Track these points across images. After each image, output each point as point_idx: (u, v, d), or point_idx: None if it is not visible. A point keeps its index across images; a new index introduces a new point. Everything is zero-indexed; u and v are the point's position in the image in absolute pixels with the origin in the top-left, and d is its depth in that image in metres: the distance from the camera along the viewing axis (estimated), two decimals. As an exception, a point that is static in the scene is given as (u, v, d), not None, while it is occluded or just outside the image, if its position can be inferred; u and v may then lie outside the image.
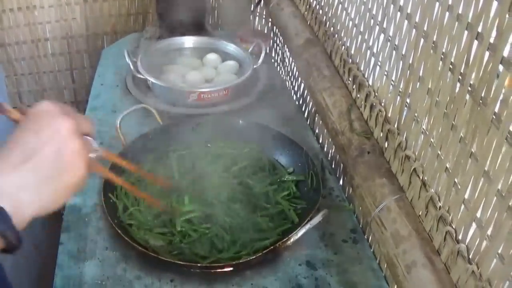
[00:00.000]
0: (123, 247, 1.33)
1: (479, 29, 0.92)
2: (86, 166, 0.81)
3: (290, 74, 2.12)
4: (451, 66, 1.00)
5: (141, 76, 1.80)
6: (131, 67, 1.82)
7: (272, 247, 1.25)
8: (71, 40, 2.44)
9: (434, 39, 1.06)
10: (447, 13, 1.01)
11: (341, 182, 1.59)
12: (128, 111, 1.59)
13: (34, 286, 2.04)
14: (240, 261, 1.26)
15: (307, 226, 1.25)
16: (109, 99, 1.88)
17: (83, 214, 1.43)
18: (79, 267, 1.29)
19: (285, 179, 1.49)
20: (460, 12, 0.97)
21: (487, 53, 0.90)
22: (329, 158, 1.69)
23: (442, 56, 1.03)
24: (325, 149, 1.73)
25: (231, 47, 2.01)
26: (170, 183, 1.42)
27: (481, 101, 0.91)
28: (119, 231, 1.29)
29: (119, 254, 1.33)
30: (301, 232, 1.25)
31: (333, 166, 1.65)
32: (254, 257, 1.25)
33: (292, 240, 1.25)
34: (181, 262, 1.25)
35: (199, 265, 1.26)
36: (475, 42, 0.93)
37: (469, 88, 0.95)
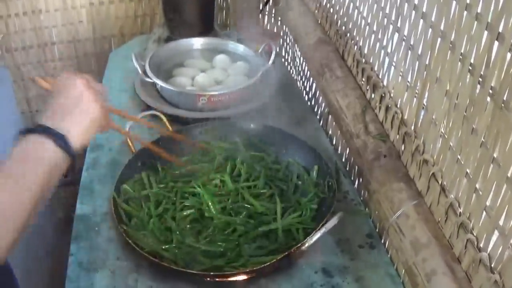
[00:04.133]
0: (134, 257, 1.30)
1: (500, 29, 0.88)
2: (101, 108, 1.13)
3: (301, 74, 2.09)
4: (470, 68, 0.97)
5: (150, 80, 1.77)
6: (139, 70, 1.80)
7: (286, 253, 1.22)
8: (78, 43, 2.41)
9: (452, 39, 1.03)
10: (465, 13, 0.98)
11: (356, 185, 1.56)
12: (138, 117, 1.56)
13: (45, 293, 2.03)
14: (255, 268, 1.23)
15: (322, 230, 1.22)
16: (117, 104, 1.85)
17: (92, 223, 1.40)
18: (90, 278, 1.27)
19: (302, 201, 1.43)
20: (479, 11, 0.94)
21: (508, 55, 0.86)
22: (343, 161, 1.65)
23: (461, 57, 1.00)
24: (339, 151, 1.70)
25: (240, 48, 1.98)
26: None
27: (503, 105, 0.88)
28: (129, 241, 1.26)
29: (131, 264, 1.30)
30: (316, 236, 1.22)
31: (347, 168, 1.62)
32: (268, 264, 1.22)
33: (307, 245, 1.22)
34: (194, 271, 1.22)
35: (212, 273, 1.23)
36: (496, 43, 0.90)
37: (490, 91, 0.91)
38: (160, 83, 1.75)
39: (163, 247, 1.29)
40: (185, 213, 1.37)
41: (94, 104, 1.12)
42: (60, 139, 1.03)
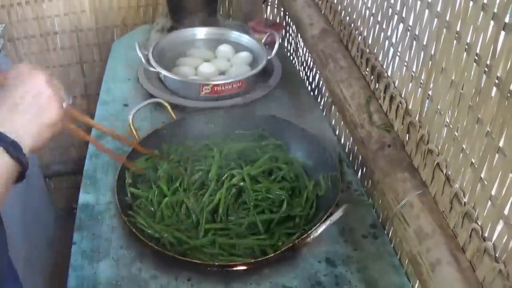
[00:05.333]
0: (138, 246, 1.31)
1: (506, 19, 0.88)
2: (60, 108, 1.02)
3: (304, 65, 2.09)
4: (476, 58, 0.97)
5: (153, 69, 1.77)
6: (143, 60, 1.79)
7: (291, 244, 1.22)
8: (80, 33, 2.40)
9: (458, 29, 1.03)
10: (471, 3, 0.98)
11: (359, 176, 1.56)
12: (141, 105, 1.56)
13: (47, 284, 2.03)
14: (258, 259, 1.23)
15: (327, 223, 1.22)
16: (121, 93, 1.86)
17: (96, 212, 1.41)
18: (93, 267, 1.27)
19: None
20: (485, 1, 0.93)
21: (515, 44, 0.86)
22: (346, 151, 1.65)
23: (466, 47, 1.00)
24: (342, 141, 1.70)
25: (244, 38, 1.98)
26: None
27: (509, 95, 0.88)
28: (133, 230, 1.26)
29: (134, 253, 1.30)
30: (321, 228, 1.22)
31: (350, 159, 1.62)
32: (272, 255, 1.22)
33: (312, 237, 1.22)
34: (198, 261, 1.22)
35: (216, 263, 1.24)
36: (502, 33, 0.89)
37: (496, 81, 0.91)
38: (163, 72, 1.75)
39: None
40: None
41: (53, 103, 1.01)
42: (10, 145, 0.91)
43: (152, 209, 1.37)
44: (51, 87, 1.01)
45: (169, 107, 1.59)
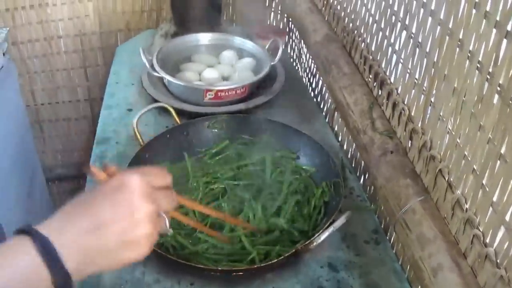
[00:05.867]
0: (141, 250, 1.31)
1: (509, 28, 0.89)
2: (150, 248, 0.83)
3: (307, 71, 2.10)
4: (478, 65, 0.98)
5: (157, 74, 1.78)
6: (147, 65, 1.80)
7: (294, 250, 1.23)
8: (84, 37, 2.41)
9: (460, 37, 1.04)
10: (474, 11, 0.99)
11: (361, 181, 1.57)
12: (146, 109, 1.57)
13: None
14: (261, 264, 1.23)
15: (330, 229, 1.23)
16: (125, 98, 1.87)
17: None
18: (97, 271, 1.27)
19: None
20: (488, 9, 0.94)
21: (517, 53, 0.87)
22: (349, 157, 1.66)
23: (469, 55, 1.01)
24: (344, 147, 1.70)
25: (247, 44, 1.99)
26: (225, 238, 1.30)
27: (511, 102, 0.88)
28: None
29: (138, 256, 1.30)
30: (324, 235, 1.22)
31: (353, 165, 1.63)
32: (275, 260, 1.22)
33: (315, 243, 1.22)
34: (202, 266, 1.23)
35: (219, 268, 1.24)
36: (504, 41, 0.90)
37: (498, 88, 0.92)
38: (167, 77, 1.76)
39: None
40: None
41: (146, 244, 0.82)
42: (64, 280, 0.74)
43: None
44: (150, 223, 0.82)
45: (173, 112, 1.59)
